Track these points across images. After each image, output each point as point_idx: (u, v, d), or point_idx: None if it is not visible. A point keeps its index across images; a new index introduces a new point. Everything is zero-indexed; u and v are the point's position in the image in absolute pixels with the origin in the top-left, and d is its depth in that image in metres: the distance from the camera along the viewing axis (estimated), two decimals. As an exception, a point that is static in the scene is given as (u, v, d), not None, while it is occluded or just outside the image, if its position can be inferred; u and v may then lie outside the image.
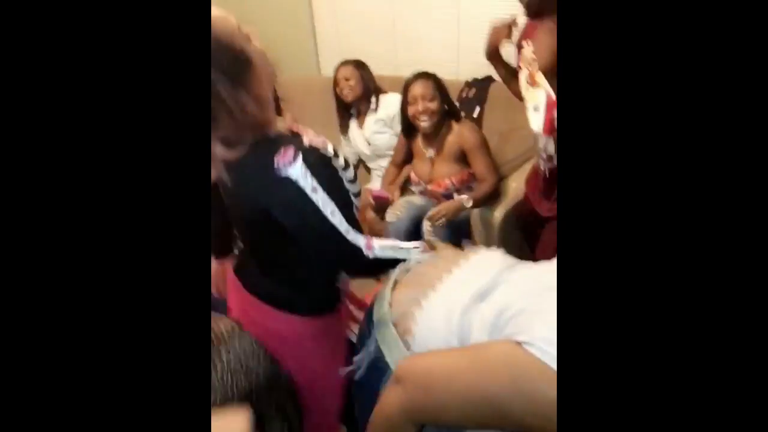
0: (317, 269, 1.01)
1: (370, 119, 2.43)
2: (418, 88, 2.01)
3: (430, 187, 2.14)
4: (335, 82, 2.44)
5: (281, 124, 0.94)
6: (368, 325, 0.96)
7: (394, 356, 0.90)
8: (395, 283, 0.99)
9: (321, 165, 0.86)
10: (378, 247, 0.93)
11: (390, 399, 0.77)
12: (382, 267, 0.96)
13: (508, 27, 1.46)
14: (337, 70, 2.44)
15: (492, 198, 2.00)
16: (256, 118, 0.84)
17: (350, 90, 2.39)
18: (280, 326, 1.03)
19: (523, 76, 1.42)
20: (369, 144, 2.47)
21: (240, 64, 0.81)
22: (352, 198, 0.99)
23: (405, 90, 2.06)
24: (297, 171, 0.82)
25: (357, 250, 0.91)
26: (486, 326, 0.78)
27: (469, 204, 1.93)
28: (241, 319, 1.05)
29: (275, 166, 0.81)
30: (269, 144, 0.84)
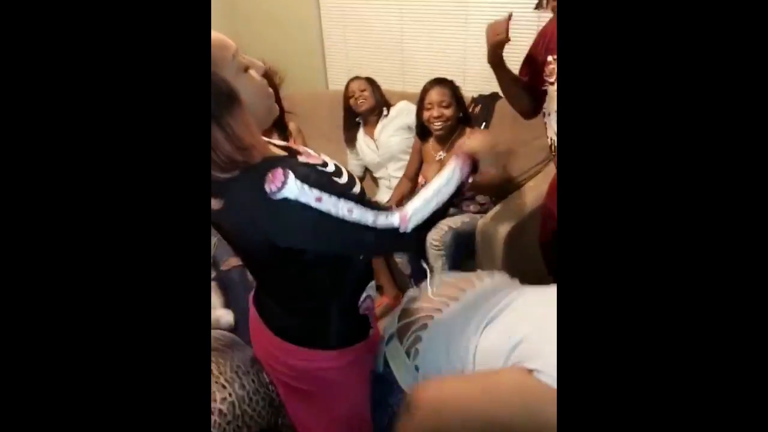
0: (336, 296, 0.93)
1: (382, 123, 2.52)
2: (435, 95, 2.09)
3: None
4: (349, 94, 2.53)
5: (275, 142, 0.89)
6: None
7: (401, 373, 0.90)
8: (406, 303, 1.00)
9: (317, 174, 0.78)
10: (412, 212, 0.83)
11: (404, 427, 0.78)
12: (430, 225, 0.87)
13: (506, 24, 1.43)
14: (349, 83, 2.54)
15: (494, 190, 2.04)
16: (233, 160, 0.75)
17: (365, 100, 2.49)
18: (305, 364, 0.95)
19: (554, 90, 1.42)
20: (378, 148, 2.52)
21: (219, 101, 0.72)
22: None
23: (422, 94, 2.14)
24: (292, 189, 0.74)
25: (393, 232, 0.81)
26: (491, 350, 0.78)
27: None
28: (264, 360, 1.00)
29: (267, 193, 0.74)
30: (256, 173, 0.76)
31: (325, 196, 0.75)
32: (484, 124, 2.35)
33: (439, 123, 2.08)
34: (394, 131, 2.48)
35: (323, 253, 0.86)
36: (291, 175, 0.74)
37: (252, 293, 1.04)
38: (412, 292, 1.03)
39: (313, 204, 0.75)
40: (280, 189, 0.73)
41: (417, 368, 0.88)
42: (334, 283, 0.92)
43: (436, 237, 1.98)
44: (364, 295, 0.96)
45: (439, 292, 0.97)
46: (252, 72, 0.81)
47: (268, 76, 1.05)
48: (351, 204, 0.77)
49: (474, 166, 0.94)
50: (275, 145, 0.89)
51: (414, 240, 0.85)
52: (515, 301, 0.86)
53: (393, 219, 0.81)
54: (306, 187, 0.74)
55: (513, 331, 0.77)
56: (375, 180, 2.69)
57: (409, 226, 0.82)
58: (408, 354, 0.90)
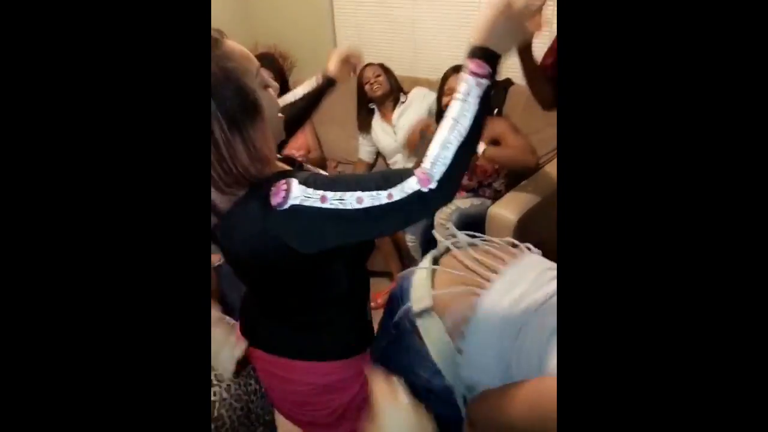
0: (346, 306, 0.94)
1: (400, 109, 2.52)
2: (454, 81, 2.09)
3: None
4: (364, 81, 2.51)
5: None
6: (395, 306, 0.96)
7: (437, 349, 0.90)
8: (432, 271, 0.98)
9: (316, 175, 0.78)
10: (431, 164, 0.73)
11: None
12: (466, 162, 0.76)
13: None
14: (363, 70, 2.51)
15: (514, 163, 2.04)
16: (247, 171, 0.76)
17: (380, 86, 2.48)
18: (325, 378, 0.95)
19: None
20: (397, 133, 2.51)
21: (245, 109, 0.74)
22: None
23: (443, 81, 2.15)
24: (297, 194, 0.74)
25: (417, 196, 0.73)
26: (537, 343, 0.79)
27: (480, 150, 1.96)
28: (273, 386, 0.99)
29: (274, 204, 0.74)
30: (263, 189, 0.76)
31: (329, 194, 0.74)
32: (496, 110, 2.33)
33: None
34: (414, 117, 2.47)
35: (345, 256, 0.86)
36: (293, 182, 0.75)
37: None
38: (433, 252, 1.02)
39: (319, 204, 0.73)
40: (285, 198, 0.74)
41: (460, 351, 0.87)
42: (352, 290, 0.92)
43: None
44: (369, 303, 0.99)
45: (476, 257, 0.94)
46: (270, 90, 0.82)
47: (278, 62, 1.07)
48: (358, 193, 0.73)
49: (492, 58, 0.73)
50: (281, 160, 0.90)
51: (450, 189, 0.75)
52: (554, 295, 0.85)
53: (411, 184, 0.73)
54: (309, 189, 0.74)
55: (550, 325, 0.79)
56: (388, 167, 2.69)
57: (433, 183, 0.72)
58: (450, 334, 0.88)
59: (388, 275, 2.32)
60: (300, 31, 2.98)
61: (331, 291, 0.90)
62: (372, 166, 2.74)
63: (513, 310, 0.83)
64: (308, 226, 0.75)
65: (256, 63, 0.79)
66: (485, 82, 0.72)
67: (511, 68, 2.43)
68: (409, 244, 2.13)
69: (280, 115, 0.86)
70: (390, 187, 0.73)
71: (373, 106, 2.59)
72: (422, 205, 0.74)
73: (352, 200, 0.73)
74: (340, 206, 0.73)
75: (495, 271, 0.92)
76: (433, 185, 0.72)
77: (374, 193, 0.73)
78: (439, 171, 0.72)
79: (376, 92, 2.50)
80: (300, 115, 1.17)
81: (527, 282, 0.87)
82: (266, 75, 0.81)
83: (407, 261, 2.26)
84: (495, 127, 2.10)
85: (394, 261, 2.31)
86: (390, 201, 0.73)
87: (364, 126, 2.62)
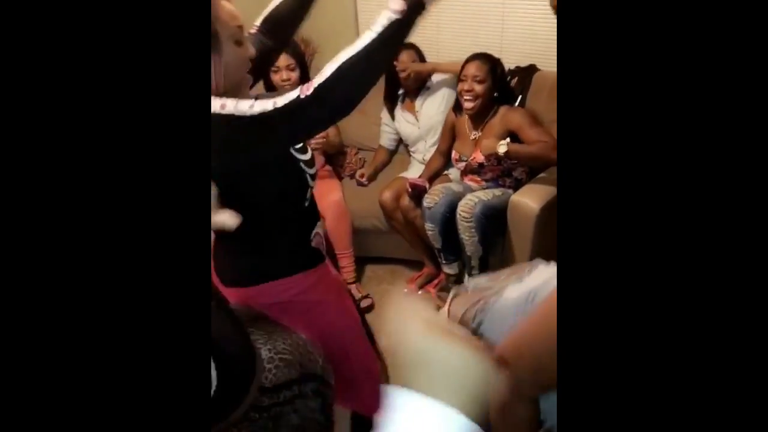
0: (288, 233, 1.07)
1: (423, 97, 2.46)
2: (471, 68, 2.06)
3: (471, 159, 2.12)
4: (401, 67, 2.39)
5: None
6: None
7: None
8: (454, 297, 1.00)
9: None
10: (316, 78, 0.83)
11: (499, 386, 0.79)
12: (344, 86, 0.85)
13: None
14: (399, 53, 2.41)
15: (538, 162, 1.99)
16: None
17: (415, 76, 2.40)
18: (280, 295, 1.07)
19: None
20: (419, 120, 2.46)
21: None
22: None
23: (462, 66, 2.11)
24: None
25: (296, 102, 0.82)
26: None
27: (503, 149, 1.93)
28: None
29: None
30: None
31: (228, 102, 0.83)
32: (519, 97, 2.30)
33: (469, 97, 2.04)
34: (438, 104, 2.42)
35: (269, 194, 0.99)
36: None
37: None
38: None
39: (218, 110, 0.83)
40: None
41: (475, 331, 0.91)
42: (285, 222, 1.06)
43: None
44: (313, 232, 1.11)
45: (496, 275, 0.98)
46: (240, 47, 0.91)
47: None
48: (251, 101, 0.83)
49: None
50: None
51: (330, 101, 0.85)
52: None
53: (294, 92, 0.83)
54: (216, 99, 0.83)
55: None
56: (410, 156, 2.65)
57: (311, 91, 0.81)
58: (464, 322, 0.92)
59: (419, 264, 2.42)
60: (322, 17, 2.96)
61: (268, 217, 1.02)
62: (393, 153, 2.71)
63: (528, 292, 0.86)
64: (214, 134, 0.85)
65: (239, 22, 0.89)
66: (395, 16, 0.83)
67: (535, 53, 2.41)
68: (429, 232, 2.12)
69: (248, 76, 0.97)
70: (277, 95, 0.83)
71: (401, 92, 2.51)
72: (301, 113, 0.82)
73: (245, 106, 0.83)
74: (234, 111, 0.83)
75: (519, 279, 0.94)
76: (310, 92, 0.81)
77: (265, 100, 0.83)
78: (318, 81, 0.81)
79: (412, 84, 2.40)
80: (297, 10, 1.16)
81: (542, 278, 0.89)
82: (242, 34, 0.92)
83: (433, 249, 2.24)
84: (511, 118, 2.05)
85: (422, 249, 2.32)
86: (275, 107, 0.82)
87: (392, 110, 2.56)
